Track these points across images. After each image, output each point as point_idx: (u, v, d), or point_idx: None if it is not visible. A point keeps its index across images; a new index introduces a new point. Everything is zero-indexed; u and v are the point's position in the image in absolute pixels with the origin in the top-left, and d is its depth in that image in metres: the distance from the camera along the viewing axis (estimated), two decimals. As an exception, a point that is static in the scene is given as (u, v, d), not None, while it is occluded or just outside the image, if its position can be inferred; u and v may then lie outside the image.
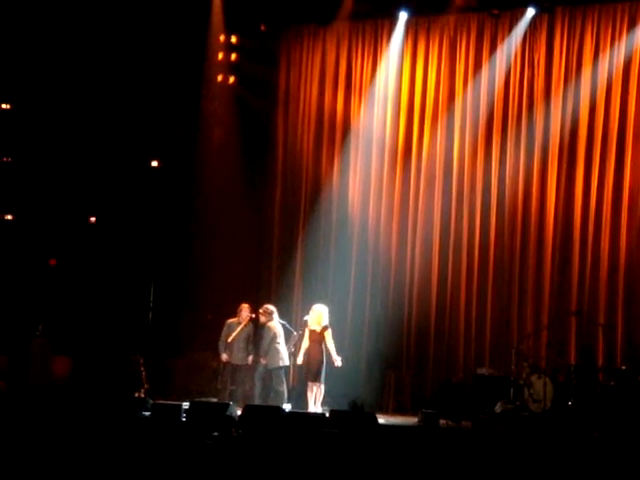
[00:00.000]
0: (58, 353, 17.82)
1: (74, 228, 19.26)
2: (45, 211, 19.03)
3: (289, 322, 16.72)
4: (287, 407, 15.55)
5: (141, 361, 17.08)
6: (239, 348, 16.37)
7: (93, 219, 19.58)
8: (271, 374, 16.18)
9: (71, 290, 18.90)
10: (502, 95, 17.88)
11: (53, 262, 19.15)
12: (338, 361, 15.74)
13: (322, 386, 15.72)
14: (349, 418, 13.51)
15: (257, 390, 16.29)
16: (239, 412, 14.07)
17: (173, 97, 18.72)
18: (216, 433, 11.89)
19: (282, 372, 16.18)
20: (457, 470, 11.11)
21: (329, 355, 15.68)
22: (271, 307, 16.45)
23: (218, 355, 16.57)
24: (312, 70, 19.20)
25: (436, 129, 18.24)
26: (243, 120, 19.16)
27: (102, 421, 12.81)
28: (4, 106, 19.12)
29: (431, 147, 18.26)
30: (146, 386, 16.88)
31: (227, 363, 16.41)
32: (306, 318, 16.02)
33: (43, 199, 19.03)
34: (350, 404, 14.19)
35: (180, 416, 13.95)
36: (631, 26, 17.08)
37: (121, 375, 17.10)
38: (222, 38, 18.94)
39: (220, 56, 19.03)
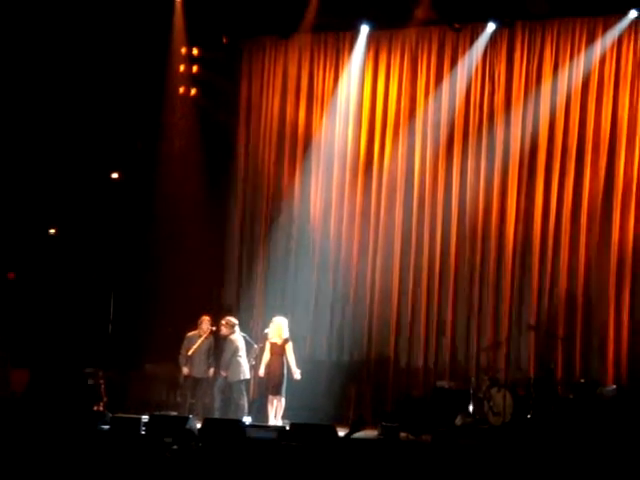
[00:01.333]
0: (16, 366, 17.65)
1: (33, 240, 19.09)
2: (3, 223, 18.85)
3: (250, 335, 16.68)
4: (247, 420, 15.50)
5: (100, 374, 16.95)
6: (200, 361, 16.31)
7: (53, 231, 19.43)
8: (232, 387, 16.13)
9: (30, 302, 18.74)
10: (463, 108, 17.98)
11: (12, 275, 18.97)
12: (297, 374, 15.73)
13: (283, 399, 15.70)
14: (308, 431, 13.50)
15: (217, 403, 16.23)
16: (199, 425, 14.00)
17: (134, 109, 18.64)
18: (176, 446, 11.84)
19: (243, 385, 16.16)
20: (417, 483, 11.11)
21: (289, 368, 15.65)
22: (233, 319, 16.42)
23: (179, 368, 16.48)
24: (274, 82, 19.20)
25: (397, 141, 18.30)
26: (205, 132, 19.13)
27: (60, 435, 12.70)
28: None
29: (392, 159, 18.31)
30: (105, 399, 16.75)
31: (188, 376, 16.33)
32: (266, 331, 16.00)
33: (1, 211, 18.84)
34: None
35: (139, 429, 13.88)
36: (590, 41, 17.27)
37: (80, 388, 16.96)
38: (184, 50, 18.89)
39: (182, 68, 18.99)
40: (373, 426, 15.87)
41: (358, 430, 14.25)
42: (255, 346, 16.20)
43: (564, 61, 17.42)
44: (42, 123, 18.65)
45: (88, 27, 17.85)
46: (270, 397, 15.74)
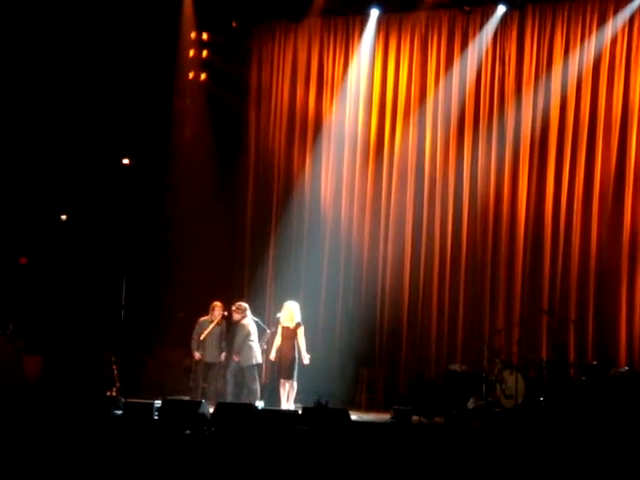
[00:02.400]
0: (29, 352, 17.70)
1: (45, 226, 19.14)
2: (16, 209, 18.89)
3: (261, 319, 16.71)
4: (260, 404, 15.53)
5: (113, 359, 16.99)
6: (212, 346, 16.33)
7: (64, 217, 19.46)
8: (244, 372, 16.16)
9: (42, 289, 18.80)
10: (473, 91, 17.93)
11: (24, 260, 19.01)
12: (307, 359, 15.75)
13: (294, 383, 15.73)
14: (321, 415, 13.52)
15: (229, 388, 16.27)
16: (211, 410, 14.04)
17: (145, 94, 18.63)
18: (188, 431, 11.89)
19: (255, 370, 16.17)
20: (430, 466, 11.13)
21: (299, 352, 15.68)
22: (244, 304, 16.43)
23: (190, 353, 16.53)
24: (284, 67, 19.18)
25: (408, 125, 18.27)
26: (215, 117, 19.13)
27: (74, 420, 12.76)
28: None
29: (403, 143, 18.28)
30: (118, 384, 16.79)
31: (199, 361, 16.37)
32: (278, 315, 16.02)
33: (14, 197, 18.89)
34: (315, 402, 14.24)
35: (152, 414, 13.90)
36: (601, 23, 17.19)
37: (93, 374, 17.03)
38: (193, 35, 18.90)
39: (191, 53, 19.00)
40: (385, 410, 15.91)
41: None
42: (267, 331, 16.22)
43: (575, 43, 17.35)
44: (54, 110, 18.68)
45: (98, 14, 17.86)
46: (282, 381, 15.76)
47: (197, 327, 16.42)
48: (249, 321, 16.24)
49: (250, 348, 16.09)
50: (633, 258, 16.80)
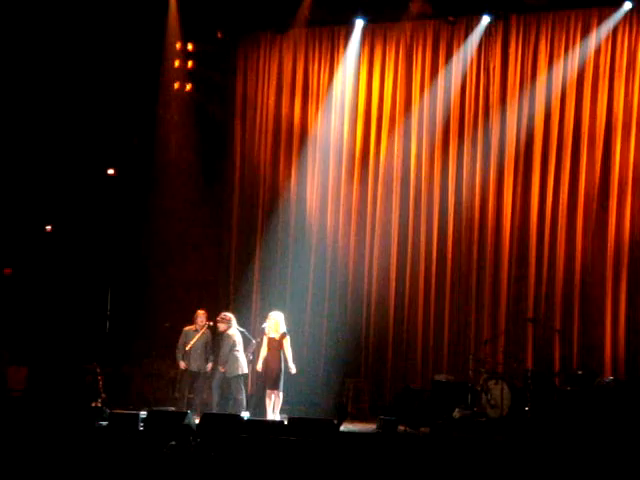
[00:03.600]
0: (14, 363, 17.64)
1: (30, 236, 19.09)
2: (0, 219, 18.84)
3: (247, 330, 16.68)
4: (245, 415, 15.51)
5: (98, 370, 16.94)
6: (197, 355, 16.30)
7: (49, 227, 19.42)
8: (230, 382, 16.13)
9: (27, 299, 18.73)
10: (458, 102, 17.99)
11: (8, 271, 18.96)
12: (293, 369, 15.73)
13: (281, 394, 15.70)
14: (308, 425, 13.51)
15: (215, 398, 16.23)
16: (197, 421, 14.00)
17: (129, 105, 18.64)
18: (174, 442, 11.84)
19: (241, 380, 16.14)
20: (416, 476, 11.13)
21: (286, 362, 15.67)
22: (229, 314, 16.41)
23: (176, 363, 16.49)
24: (269, 77, 19.20)
25: (393, 136, 18.30)
26: (200, 127, 19.14)
27: (58, 431, 12.71)
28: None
29: (388, 154, 18.31)
30: (103, 395, 16.73)
31: (185, 371, 16.34)
32: (264, 326, 16.00)
33: (-2, 207, 18.87)
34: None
35: (137, 425, 13.85)
36: (585, 33, 17.28)
37: (77, 385, 16.98)
38: (178, 45, 18.85)
39: (177, 63, 18.94)
40: (371, 420, 15.91)
41: (343, 419, 14.29)
42: (253, 341, 16.20)
43: (559, 53, 17.43)
44: (38, 120, 18.64)
45: (83, 23, 17.84)
46: (268, 391, 15.74)
47: (182, 337, 16.38)
48: (234, 331, 16.22)
49: (236, 359, 16.06)
50: (618, 267, 16.85)
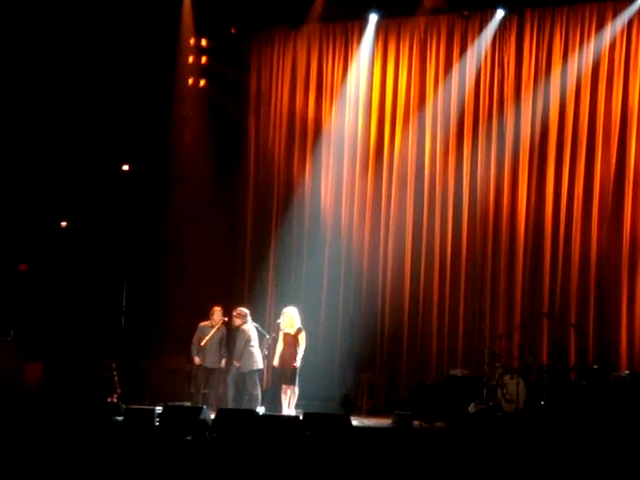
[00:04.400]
0: (29, 359, 17.70)
1: (45, 233, 19.15)
2: (16, 216, 18.90)
3: (262, 325, 16.71)
4: (261, 410, 15.53)
5: (113, 365, 16.99)
6: (212, 351, 16.33)
7: (64, 223, 19.47)
8: (245, 377, 16.15)
9: (42, 295, 18.79)
10: (473, 96, 17.95)
11: (24, 267, 19.02)
12: (298, 362, 15.69)
13: (296, 389, 15.72)
14: (323, 420, 13.52)
15: (230, 393, 16.26)
16: (212, 416, 14.03)
17: (144, 100, 18.66)
18: (190, 437, 11.87)
19: (256, 375, 16.16)
20: (431, 471, 11.13)
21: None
22: (245, 310, 16.43)
23: (191, 358, 16.52)
24: (283, 72, 19.20)
25: (407, 130, 18.28)
26: (214, 123, 19.14)
27: (75, 427, 12.74)
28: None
29: (403, 148, 18.29)
30: (119, 391, 16.80)
31: (200, 366, 16.37)
32: (279, 321, 16.01)
33: (13, 204, 18.89)
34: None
35: (153, 421, 13.88)
36: (599, 27, 17.21)
37: (93, 380, 17.01)
38: (192, 41, 18.89)
39: (191, 59, 18.98)
40: (387, 415, 15.91)
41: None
42: (267, 336, 16.21)
43: (574, 47, 17.36)
44: (53, 116, 18.69)
45: (97, 20, 17.87)
46: (284, 387, 15.75)
47: (197, 332, 16.42)
48: (249, 326, 16.24)
49: (251, 354, 16.08)
50: (633, 261, 16.80)
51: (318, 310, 18.19)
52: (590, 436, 13.57)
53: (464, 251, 17.79)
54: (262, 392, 16.32)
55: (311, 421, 13.52)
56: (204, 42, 19.02)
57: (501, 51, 17.83)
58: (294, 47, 19.07)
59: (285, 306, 16.20)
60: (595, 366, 16.03)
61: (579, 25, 17.38)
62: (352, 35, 18.76)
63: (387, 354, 18.02)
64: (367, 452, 11.77)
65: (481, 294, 17.63)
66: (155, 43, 18.25)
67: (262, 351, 16.17)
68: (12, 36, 17.97)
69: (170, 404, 15.45)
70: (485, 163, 17.77)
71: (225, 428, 13.16)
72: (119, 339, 18.48)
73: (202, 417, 13.61)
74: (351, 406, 14.57)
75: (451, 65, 18.08)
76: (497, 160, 17.70)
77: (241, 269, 19.13)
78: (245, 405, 15.84)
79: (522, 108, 17.58)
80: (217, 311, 16.43)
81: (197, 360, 16.33)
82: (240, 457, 11.48)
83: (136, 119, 18.81)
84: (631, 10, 16.97)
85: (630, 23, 17.02)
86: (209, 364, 16.33)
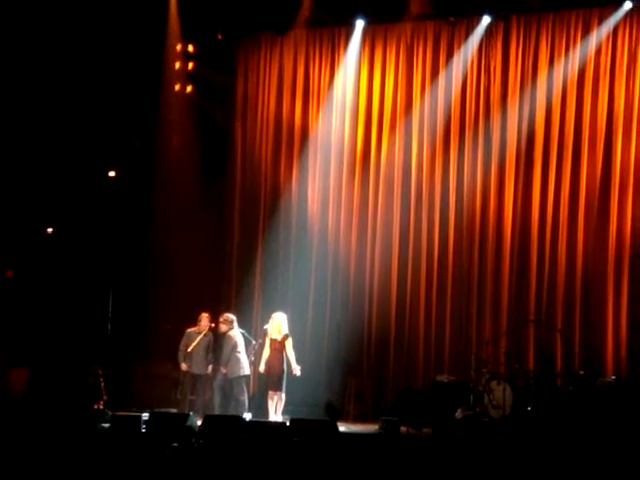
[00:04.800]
0: (15, 365, 17.64)
1: (31, 239, 19.09)
2: (2, 222, 18.85)
3: (249, 331, 16.70)
4: (248, 416, 15.51)
5: (100, 372, 16.95)
6: (199, 357, 16.31)
7: (50, 230, 19.43)
8: (232, 383, 16.14)
9: (28, 301, 18.74)
10: (459, 101, 17.99)
11: (10, 273, 18.97)
12: (297, 370, 15.74)
13: (283, 395, 15.71)
14: (310, 426, 13.51)
15: (217, 399, 16.23)
16: (199, 422, 14.00)
17: (130, 106, 18.63)
18: (176, 444, 11.85)
19: (243, 381, 16.15)
20: (418, 477, 11.13)
21: (289, 364, 15.67)
22: (231, 316, 16.42)
23: (178, 365, 16.49)
24: (270, 78, 19.20)
25: (394, 136, 18.30)
26: (201, 129, 19.14)
27: (61, 434, 12.71)
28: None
29: (389, 154, 18.31)
30: (105, 397, 16.75)
31: (187, 373, 16.34)
32: (266, 327, 16.00)
33: (0, 210, 18.84)
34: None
35: (140, 427, 13.86)
36: (585, 33, 17.27)
37: (79, 386, 16.97)
38: (179, 47, 18.88)
39: (177, 65, 18.97)
40: (374, 420, 15.90)
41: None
42: (253, 342, 16.19)
43: (560, 53, 17.42)
44: (39, 122, 18.64)
45: (83, 25, 17.84)
46: (270, 393, 15.74)
47: (184, 338, 16.40)
48: (236, 332, 16.23)
49: (237, 360, 16.07)
50: (619, 267, 16.85)
51: (305, 315, 18.19)
52: (577, 442, 13.60)
53: (451, 256, 17.82)
54: (249, 398, 16.30)
55: (298, 427, 13.50)
56: (191, 48, 19.00)
57: (487, 57, 17.88)
58: (281, 52, 19.08)
59: (272, 311, 16.19)
60: (581, 372, 16.06)
61: (565, 31, 17.44)
62: (339, 41, 18.78)
63: (374, 359, 18.02)
64: (354, 458, 11.77)
65: (468, 299, 17.66)
66: (142, 49, 18.23)
67: (248, 357, 16.16)
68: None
69: (157, 411, 15.40)
70: (472, 169, 17.80)
71: (212, 434, 13.14)
72: (105, 345, 18.45)
73: (189, 424, 13.60)
74: (335, 412, 14.55)
75: (437, 71, 18.12)
76: (484, 166, 17.74)
77: (228, 275, 19.12)
78: (232, 411, 15.82)
79: (508, 113, 17.64)
80: (205, 317, 16.41)
81: (184, 366, 16.30)
82: (227, 463, 11.47)
83: (123, 125, 18.78)
84: (616, 16, 17.05)
85: (615, 29, 17.09)
86: (196, 370, 16.31)
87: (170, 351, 17.12)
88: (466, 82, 17.95)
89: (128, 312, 18.89)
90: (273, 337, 15.79)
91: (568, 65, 17.32)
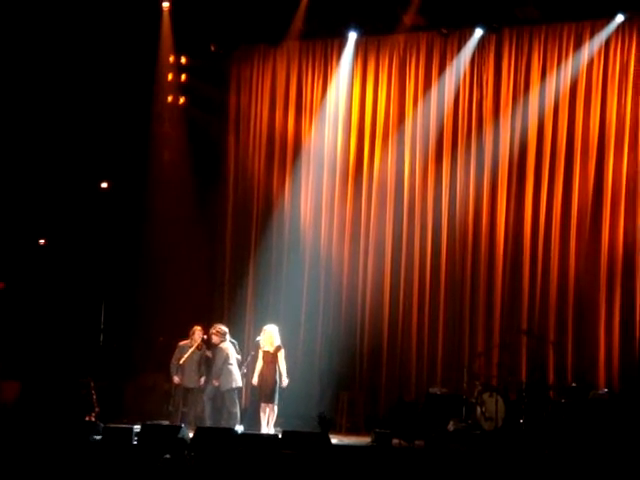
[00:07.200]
0: (6, 377, 17.59)
1: (23, 250, 19.05)
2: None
3: (240, 343, 16.68)
4: (240, 429, 15.48)
5: (92, 384, 16.91)
6: (191, 370, 16.28)
7: (42, 241, 19.39)
8: (224, 395, 16.11)
9: (20, 313, 18.69)
10: (452, 114, 18.01)
11: (1, 285, 18.92)
12: (285, 382, 15.71)
13: (275, 407, 15.69)
14: (302, 439, 13.48)
15: (207, 411, 16.19)
16: (191, 434, 13.97)
17: (123, 118, 18.62)
18: (168, 456, 11.83)
19: (235, 393, 16.13)
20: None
21: (279, 375, 15.65)
22: (224, 328, 16.39)
23: (170, 377, 16.46)
24: (262, 90, 19.21)
25: (387, 148, 18.31)
26: (194, 141, 19.13)
27: (52, 446, 12.67)
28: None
29: (382, 165, 18.32)
30: (97, 409, 16.70)
31: (179, 385, 16.30)
32: (258, 339, 15.99)
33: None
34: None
35: (132, 439, 13.83)
36: (577, 45, 17.31)
37: (71, 399, 16.92)
38: (172, 59, 18.89)
39: (170, 77, 18.98)
40: (366, 433, 15.88)
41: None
42: (238, 356, 16.18)
43: (552, 66, 17.46)
44: (31, 133, 18.62)
45: (76, 36, 17.84)
46: (262, 405, 15.72)
47: (177, 351, 16.37)
48: (228, 345, 16.21)
49: (229, 372, 16.05)
50: (611, 280, 16.86)
51: (297, 327, 18.17)
52: (569, 454, 13.59)
53: (443, 268, 17.82)
54: (241, 410, 16.28)
55: (290, 439, 13.49)
56: (183, 60, 19.02)
57: (480, 69, 17.91)
58: (274, 64, 19.10)
59: (264, 324, 16.18)
60: (574, 384, 16.05)
61: (557, 44, 17.47)
62: (332, 52, 18.80)
63: (366, 372, 18.00)
64: (346, 470, 11.75)
65: (460, 311, 17.65)
66: (134, 60, 18.24)
67: (241, 369, 16.13)
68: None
69: (149, 423, 15.37)
70: (464, 181, 17.82)
71: (204, 447, 13.12)
72: (97, 357, 18.39)
73: (180, 436, 13.58)
74: (327, 424, 14.52)
75: (430, 83, 18.15)
76: (476, 178, 17.75)
77: (220, 287, 19.07)
78: (224, 423, 15.80)
79: (501, 126, 17.66)
80: (197, 330, 16.38)
81: (176, 379, 16.26)
82: (219, 476, 11.44)
83: (115, 137, 18.76)
84: (609, 29, 17.09)
85: (608, 42, 17.13)
86: (188, 383, 16.28)
87: (162, 363, 17.08)
88: (458, 94, 17.97)
89: (120, 324, 18.85)
90: (265, 349, 15.78)
91: (560, 78, 17.35)
